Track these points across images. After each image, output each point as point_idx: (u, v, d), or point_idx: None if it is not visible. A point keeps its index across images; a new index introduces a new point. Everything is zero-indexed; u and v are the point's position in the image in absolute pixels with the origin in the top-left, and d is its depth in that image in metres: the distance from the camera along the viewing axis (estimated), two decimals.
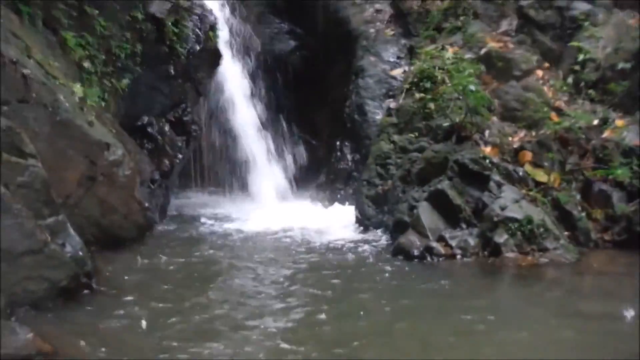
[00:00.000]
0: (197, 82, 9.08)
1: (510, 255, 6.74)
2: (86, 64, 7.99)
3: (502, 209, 6.97)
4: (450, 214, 7.18)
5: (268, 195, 9.74)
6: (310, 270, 6.70)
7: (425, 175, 7.69)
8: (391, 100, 9.04)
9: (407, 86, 8.68)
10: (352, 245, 7.64)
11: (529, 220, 6.83)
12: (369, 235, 7.97)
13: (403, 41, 9.81)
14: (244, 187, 9.83)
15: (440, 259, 6.92)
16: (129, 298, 5.79)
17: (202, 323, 5.25)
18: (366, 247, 7.55)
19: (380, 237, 7.82)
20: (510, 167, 7.43)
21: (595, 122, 7.81)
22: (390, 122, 8.56)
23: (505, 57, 8.57)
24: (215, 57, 9.20)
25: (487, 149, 7.62)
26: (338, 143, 9.74)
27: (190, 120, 9.06)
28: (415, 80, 8.62)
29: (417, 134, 8.28)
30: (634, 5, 8.61)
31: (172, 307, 5.61)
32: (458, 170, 7.35)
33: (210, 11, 9.17)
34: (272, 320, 5.32)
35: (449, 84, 8.21)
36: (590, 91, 8.17)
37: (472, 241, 6.99)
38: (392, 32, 9.91)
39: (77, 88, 7.51)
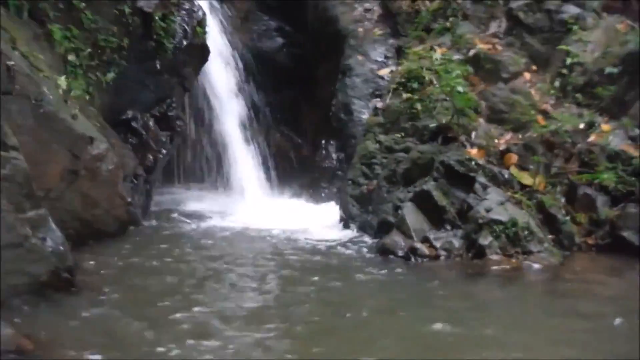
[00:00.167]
0: (183, 77, 9.01)
1: (495, 257, 6.72)
2: (71, 57, 7.91)
3: (487, 211, 6.96)
4: (435, 215, 7.16)
5: (251, 193, 9.70)
6: (291, 270, 6.64)
7: (410, 175, 7.67)
8: (378, 99, 9.01)
9: (394, 86, 8.65)
10: (334, 244, 7.59)
11: (514, 223, 6.82)
12: (353, 235, 7.92)
13: (391, 41, 9.78)
14: (227, 183, 9.78)
15: (424, 260, 6.89)
16: (110, 294, 5.73)
17: (182, 322, 5.20)
18: (349, 247, 7.51)
19: (364, 237, 7.77)
20: (496, 169, 7.42)
21: (582, 125, 7.81)
22: (377, 121, 8.53)
23: (494, 59, 8.56)
24: (202, 53, 9.13)
25: (473, 151, 7.61)
26: (323, 142, 9.70)
27: (175, 116, 8.99)
28: (403, 80, 8.59)
29: (403, 134, 8.25)
30: (623, 9, 8.63)
31: (153, 305, 5.55)
32: (444, 172, 7.34)
33: (199, 6, 9.09)
34: (248, 322, 5.26)
35: (437, 85, 8.20)
36: (578, 95, 8.17)
37: (456, 243, 6.97)
38: (381, 32, 9.87)
39: (62, 81, 7.45)
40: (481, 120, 8.10)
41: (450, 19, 9.17)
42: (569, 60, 8.31)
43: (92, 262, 6.46)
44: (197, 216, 8.85)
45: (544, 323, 5.37)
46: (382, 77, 9.44)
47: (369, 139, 8.46)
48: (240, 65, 10.05)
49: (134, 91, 8.51)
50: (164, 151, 8.84)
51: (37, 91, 6.81)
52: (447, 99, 7.95)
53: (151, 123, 8.71)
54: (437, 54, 8.63)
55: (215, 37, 9.68)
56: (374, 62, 9.62)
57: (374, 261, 6.95)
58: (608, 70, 8.01)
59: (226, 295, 5.95)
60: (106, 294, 5.73)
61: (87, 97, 7.86)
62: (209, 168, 9.96)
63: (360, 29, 9.84)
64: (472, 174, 7.27)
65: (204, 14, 9.22)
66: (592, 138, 7.62)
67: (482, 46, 8.68)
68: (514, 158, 7.56)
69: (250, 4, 10.66)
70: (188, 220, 8.65)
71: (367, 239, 7.72)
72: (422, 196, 7.27)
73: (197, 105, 9.81)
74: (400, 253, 6.96)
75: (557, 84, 8.35)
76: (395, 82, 8.69)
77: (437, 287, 6.20)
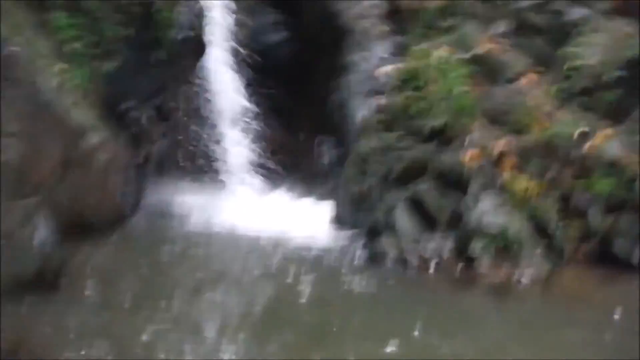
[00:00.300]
0: (181, 69, 8.96)
1: (484, 266, 6.70)
2: (74, 45, 7.92)
3: (480, 217, 6.92)
4: (427, 219, 7.11)
5: (243, 190, 9.65)
6: (279, 272, 6.64)
7: (405, 176, 7.58)
8: (377, 98, 8.91)
9: (394, 84, 8.56)
10: (324, 250, 7.51)
11: (505, 231, 6.78)
12: (345, 237, 7.80)
13: (394, 38, 9.64)
14: (220, 180, 9.75)
15: (414, 265, 6.85)
16: (96, 293, 5.75)
17: (166, 324, 5.21)
18: (340, 252, 7.42)
19: (356, 239, 7.65)
20: (491, 173, 7.33)
21: (582, 130, 7.71)
22: (375, 120, 8.43)
23: (497, 60, 8.46)
24: (201, 46, 9.06)
25: (470, 153, 7.52)
26: (319, 139, 9.63)
27: (172, 108, 8.98)
28: (404, 78, 8.49)
29: (401, 133, 8.14)
30: (631, 13, 8.48)
31: (138, 305, 5.57)
32: (438, 174, 7.29)
33: None
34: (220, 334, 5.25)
35: (438, 84, 8.12)
36: (581, 98, 8.05)
37: (447, 250, 6.92)
38: (384, 29, 9.75)
39: (62, 69, 7.46)
40: (480, 121, 8.01)
41: (456, 17, 9.06)
42: (573, 63, 8.19)
43: (79, 258, 6.42)
44: (188, 213, 8.73)
45: (534, 334, 5.36)
46: (382, 75, 9.31)
47: (366, 137, 8.36)
48: (238, 59, 9.98)
49: (132, 82, 8.46)
50: (158, 144, 8.83)
51: (36, 79, 6.83)
52: (447, 98, 7.87)
53: (148, 115, 8.68)
54: (441, 52, 8.54)
55: (214, 30, 9.61)
56: (375, 60, 9.44)
57: (363, 266, 6.91)
58: (612, 74, 7.89)
59: (208, 299, 5.94)
60: (91, 293, 5.74)
61: (86, 87, 7.85)
62: (203, 163, 9.91)
63: (363, 26, 9.72)
64: (466, 178, 7.20)
65: (205, 6, 9.16)
66: (590, 144, 7.51)
67: (486, 46, 8.58)
68: (510, 162, 7.47)
69: None
70: (178, 217, 8.56)
71: (359, 240, 7.58)
72: (415, 199, 7.23)
73: (193, 99, 9.75)
74: (390, 257, 6.94)
75: (560, 86, 8.23)
76: (396, 81, 8.60)
77: (425, 298, 6.17)
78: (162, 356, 4.93)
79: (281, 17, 10.59)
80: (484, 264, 6.70)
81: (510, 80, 8.38)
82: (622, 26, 8.39)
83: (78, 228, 6.98)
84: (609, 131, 7.69)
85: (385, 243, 7.04)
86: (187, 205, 8.91)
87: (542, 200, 7.21)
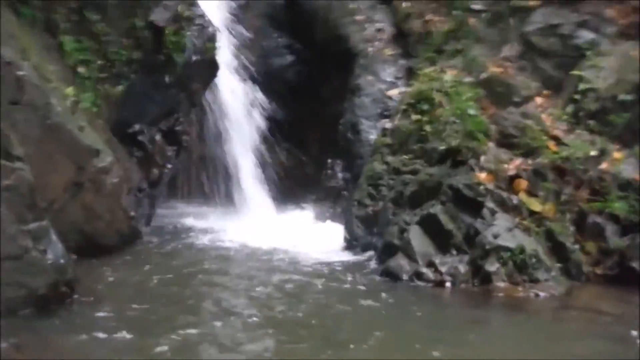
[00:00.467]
0: (191, 92, 8.98)
1: (501, 284, 6.62)
2: (82, 69, 7.94)
3: (495, 237, 6.85)
4: (441, 239, 7.05)
5: (254, 211, 9.63)
6: (291, 291, 6.54)
7: (417, 198, 7.56)
8: (386, 120, 8.91)
9: (403, 107, 8.56)
10: (338, 266, 7.49)
11: (521, 250, 6.72)
12: (357, 257, 7.81)
13: (402, 62, 9.69)
14: (230, 200, 9.73)
15: (429, 284, 6.80)
16: (108, 310, 5.68)
17: (180, 341, 5.11)
18: (352, 269, 7.38)
19: (369, 259, 7.66)
20: (505, 194, 7.29)
21: (593, 153, 7.69)
22: (385, 142, 8.43)
23: (506, 83, 8.46)
24: (211, 69, 9.11)
25: (482, 175, 7.49)
26: (329, 161, 9.61)
27: (182, 131, 8.97)
28: (413, 101, 8.49)
29: (411, 155, 8.15)
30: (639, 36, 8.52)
31: (150, 322, 5.48)
32: (451, 195, 7.24)
33: (210, 22, 9.07)
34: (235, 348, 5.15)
35: (447, 107, 8.12)
36: (590, 121, 8.02)
37: (462, 268, 6.85)
38: (391, 52, 9.80)
39: (71, 92, 7.45)
40: (491, 144, 7.98)
41: (463, 41, 9.08)
42: (582, 86, 8.17)
43: (91, 276, 6.40)
44: (199, 233, 8.76)
45: (550, 352, 5.28)
46: (391, 98, 9.34)
47: (376, 159, 8.37)
48: (249, 81, 10.02)
49: (141, 105, 8.49)
50: (169, 166, 8.81)
51: (45, 102, 6.85)
52: (457, 121, 7.87)
53: (157, 137, 8.68)
54: (449, 75, 8.56)
55: (225, 53, 9.65)
56: (383, 83, 9.52)
57: (378, 285, 6.83)
58: (622, 97, 7.89)
59: (221, 318, 5.81)
60: (104, 310, 5.66)
61: (95, 110, 7.84)
62: (213, 184, 9.90)
63: (371, 49, 9.76)
64: (480, 199, 7.17)
65: (216, 30, 9.20)
66: (603, 166, 7.49)
67: (494, 69, 8.59)
68: (523, 184, 7.44)
69: (261, 21, 10.64)
70: (189, 237, 8.56)
71: (372, 261, 7.60)
72: (428, 220, 7.17)
73: (203, 121, 9.77)
74: (405, 277, 6.87)
75: (569, 109, 8.22)
76: (405, 103, 8.60)
77: (441, 315, 6.10)
78: None
79: (290, 40, 10.68)
80: (501, 281, 6.63)
81: (519, 104, 8.38)
82: (630, 49, 8.42)
83: (89, 249, 6.97)
84: (619, 154, 7.69)
85: (400, 261, 6.97)
86: (198, 226, 8.88)
87: (557, 221, 7.17)
